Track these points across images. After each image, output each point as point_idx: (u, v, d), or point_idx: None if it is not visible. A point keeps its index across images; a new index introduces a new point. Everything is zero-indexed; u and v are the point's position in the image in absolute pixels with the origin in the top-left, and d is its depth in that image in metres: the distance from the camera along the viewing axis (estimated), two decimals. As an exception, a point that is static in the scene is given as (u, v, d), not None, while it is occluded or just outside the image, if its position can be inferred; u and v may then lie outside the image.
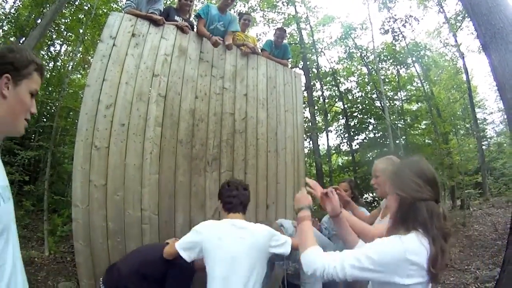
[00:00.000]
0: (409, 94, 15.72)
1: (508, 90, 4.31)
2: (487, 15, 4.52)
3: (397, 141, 11.57)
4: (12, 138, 8.88)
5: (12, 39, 12.45)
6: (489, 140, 22.04)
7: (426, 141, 13.28)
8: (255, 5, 15.67)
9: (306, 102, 13.34)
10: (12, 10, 12.68)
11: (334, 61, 16.19)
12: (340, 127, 16.53)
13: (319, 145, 15.08)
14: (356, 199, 3.71)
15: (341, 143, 16.53)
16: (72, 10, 12.39)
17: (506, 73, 4.30)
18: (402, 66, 14.82)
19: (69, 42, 14.22)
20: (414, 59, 14.48)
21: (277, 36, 5.47)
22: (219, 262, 2.28)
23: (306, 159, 11.61)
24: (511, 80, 4.25)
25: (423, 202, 1.43)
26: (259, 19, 15.77)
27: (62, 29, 13.26)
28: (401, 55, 14.22)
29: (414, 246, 1.36)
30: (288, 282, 3.15)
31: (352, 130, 15.04)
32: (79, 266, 3.19)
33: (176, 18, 4.38)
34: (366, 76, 15.18)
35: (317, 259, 1.58)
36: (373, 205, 10.73)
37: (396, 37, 14.02)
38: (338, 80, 15.54)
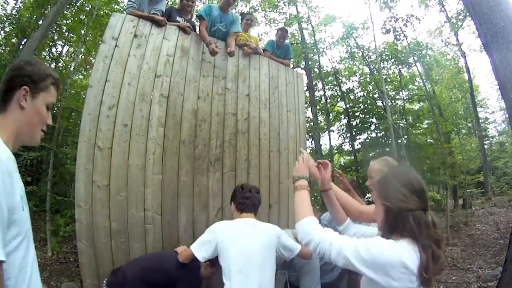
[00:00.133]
0: (411, 93, 15.70)
1: (509, 89, 4.31)
2: (488, 14, 4.52)
3: (399, 141, 11.56)
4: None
5: (13, 40, 12.48)
6: (491, 139, 22.04)
7: (428, 140, 13.21)
8: (257, 5, 15.67)
9: (308, 102, 13.31)
10: (14, 12, 12.71)
11: (336, 61, 16.21)
12: (342, 127, 16.55)
13: (321, 145, 15.09)
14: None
15: (343, 142, 16.55)
16: (74, 11, 12.40)
17: (507, 72, 4.30)
18: (403, 65, 14.81)
19: (71, 43, 14.24)
20: (415, 58, 14.45)
21: (279, 36, 5.47)
22: (235, 257, 2.44)
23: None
24: (512, 79, 4.25)
25: (410, 212, 1.42)
26: (261, 19, 15.77)
27: (64, 30, 13.28)
28: (403, 55, 14.19)
29: (407, 251, 1.37)
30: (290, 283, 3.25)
31: (354, 129, 15.02)
32: (83, 266, 3.20)
33: (178, 18, 4.38)
34: (368, 76, 15.17)
35: (313, 231, 1.60)
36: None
37: (398, 37, 14.00)
38: (340, 80, 15.53)
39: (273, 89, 4.92)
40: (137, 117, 3.60)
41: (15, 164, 1.18)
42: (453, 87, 20.03)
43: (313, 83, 14.87)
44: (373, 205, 1.77)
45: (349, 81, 15.82)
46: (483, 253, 8.09)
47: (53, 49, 14.04)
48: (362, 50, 15.41)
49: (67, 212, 7.87)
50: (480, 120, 19.14)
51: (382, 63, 14.24)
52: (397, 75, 14.91)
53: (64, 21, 12.67)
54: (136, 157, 3.52)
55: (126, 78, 3.63)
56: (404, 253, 1.36)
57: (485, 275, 6.45)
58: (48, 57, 13.49)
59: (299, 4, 15.48)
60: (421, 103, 15.58)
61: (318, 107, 14.83)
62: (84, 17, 12.39)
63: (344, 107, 15.56)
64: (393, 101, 14.14)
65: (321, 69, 15.64)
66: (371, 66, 15.35)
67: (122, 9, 11.78)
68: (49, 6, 10.64)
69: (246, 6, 15.39)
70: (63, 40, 14.00)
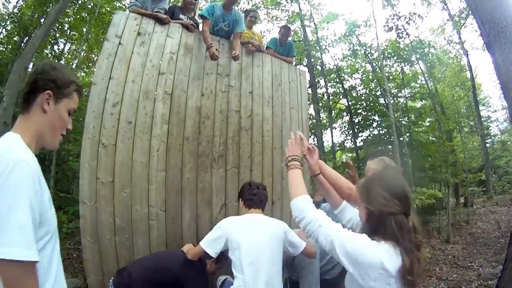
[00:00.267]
0: (413, 91, 15.67)
1: (511, 89, 4.30)
2: (491, 13, 4.49)
3: (401, 138, 11.54)
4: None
5: (15, 38, 12.51)
6: (493, 138, 22.03)
7: (430, 138, 13.19)
8: (259, 2, 15.64)
9: (311, 99, 13.32)
10: (16, 10, 12.73)
11: (338, 58, 16.14)
12: (344, 124, 16.49)
13: (323, 142, 15.09)
14: None
15: (345, 140, 16.51)
16: (75, 9, 12.41)
17: (509, 72, 4.28)
18: (406, 63, 14.74)
19: (73, 41, 14.27)
20: (418, 56, 14.41)
21: (282, 34, 5.46)
22: (246, 250, 2.51)
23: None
24: (514, 79, 4.24)
25: (391, 215, 1.44)
26: (263, 16, 15.75)
27: (66, 28, 13.30)
28: (405, 53, 14.15)
29: (388, 254, 1.40)
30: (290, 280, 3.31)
31: (356, 127, 14.98)
32: (87, 263, 3.22)
33: (181, 16, 4.39)
34: (370, 73, 15.12)
35: (307, 210, 1.65)
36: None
37: (400, 35, 13.97)
38: (342, 77, 15.50)
39: (276, 86, 4.93)
40: (141, 114, 3.62)
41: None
42: (455, 85, 20.01)
43: (316, 80, 14.85)
44: None
45: (351, 78, 15.79)
46: (484, 252, 8.10)
47: (55, 47, 14.07)
48: (364, 47, 15.36)
49: (70, 209, 7.88)
50: (482, 119, 19.12)
51: (384, 60, 14.19)
52: (399, 73, 14.87)
53: (66, 19, 12.67)
54: (140, 154, 3.54)
55: (130, 75, 3.65)
56: (385, 255, 1.39)
57: (485, 274, 6.47)
58: (50, 55, 13.52)
59: (301, 1, 15.46)
60: (423, 101, 15.57)
61: (320, 104, 14.81)
62: (86, 15, 12.41)
63: (346, 104, 15.52)
64: (395, 99, 14.10)
65: (324, 67, 15.60)
66: (374, 64, 15.31)
67: (124, 7, 11.79)
68: (51, 4, 10.65)
69: (248, 4, 15.38)
70: (65, 38, 14.02)
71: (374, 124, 14.44)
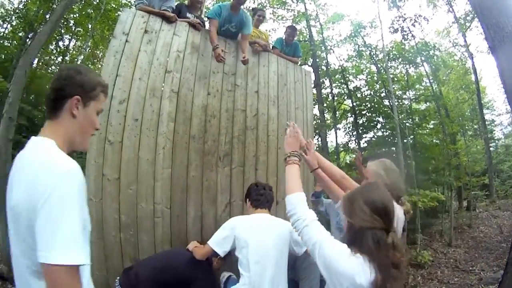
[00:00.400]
0: (418, 93, 15.59)
1: (515, 94, 4.30)
2: (496, 18, 4.49)
3: (405, 140, 11.50)
4: (20, 132, 8.97)
5: (20, 34, 12.55)
6: (497, 141, 21.94)
7: (434, 141, 13.14)
8: (265, 2, 15.63)
9: (315, 100, 13.29)
10: (21, 6, 12.78)
11: (343, 59, 16.06)
12: (349, 125, 16.43)
13: (327, 142, 15.06)
14: None
15: (349, 140, 16.43)
16: (81, 5, 12.45)
17: (514, 77, 4.29)
18: (411, 65, 14.70)
19: (78, 37, 14.30)
20: (423, 58, 14.37)
21: (288, 34, 5.45)
22: (253, 249, 2.56)
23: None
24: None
25: (370, 230, 1.45)
26: (269, 15, 15.71)
27: (71, 24, 13.34)
28: (410, 54, 14.11)
29: (361, 268, 1.40)
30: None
31: (361, 128, 14.94)
32: (91, 259, 3.22)
33: (188, 15, 4.39)
34: (375, 75, 15.06)
35: (298, 207, 1.71)
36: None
37: (406, 36, 13.90)
38: (347, 78, 15.43)
39: (282, 86, 4.94)
40: (148, 112, 3.63)
41: None
42: (460, 88, 19.90)
43: (321, 80, 14.81)
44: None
45: (356, 79, 15.71)
46: (486, 256, 8.09)
47: (60, 43, 14.12)
48: (369, 48, 15.31)
49: (74, 205, 7.90)
50: (486, 122, 19.05)
51: (389, 62, 14.15)
52: (404, 75, 14.81)
53: (71, 15, 12.72)
54: (146, 151, 3.55)
55: (137, 73, 3.66)
56: (357, 269, 1.40)
57: (486, 278, 6.47)
58: (55, 51, 13.57)
59: (307, 1, 15.43)
60: (427, 103, 15.48)
61: (325, 105, 14.78)
62: (92, 11, 12.44)
63: (351, 105, 15.46)
64: (399, 101, 14.05)
65: (329, 67, 15.56)
66: (379, 65, 15.26)
67: (129, 4, 11.80)
68: (57, 0, 10.68)
69: (254, 3, 15.37)
70: (70, 34, 14.06)
71: (378, 126, 14.40)
